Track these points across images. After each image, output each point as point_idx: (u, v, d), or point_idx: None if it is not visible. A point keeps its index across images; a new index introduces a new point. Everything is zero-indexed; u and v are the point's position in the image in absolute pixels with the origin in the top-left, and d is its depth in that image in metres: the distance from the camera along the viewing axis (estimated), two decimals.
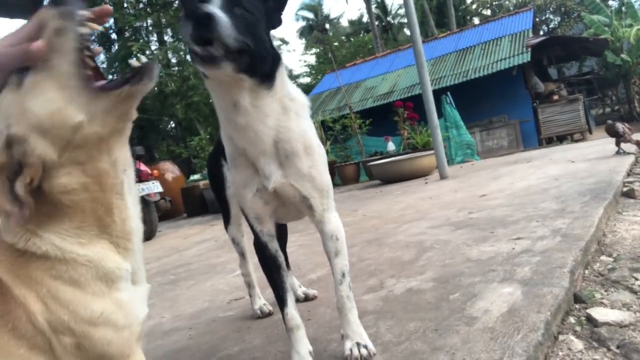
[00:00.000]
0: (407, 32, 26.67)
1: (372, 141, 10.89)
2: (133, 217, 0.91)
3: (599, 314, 1.51)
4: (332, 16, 39.51)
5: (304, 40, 37.38)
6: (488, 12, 31.53)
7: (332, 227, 1.43)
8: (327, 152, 10.06)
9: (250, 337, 1.79)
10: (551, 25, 27.37)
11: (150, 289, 0.98)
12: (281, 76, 1.27)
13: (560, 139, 13.45)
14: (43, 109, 0.79)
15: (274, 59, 1.24)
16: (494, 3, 31.73)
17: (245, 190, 1.37)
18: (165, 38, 22.23)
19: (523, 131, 13.85)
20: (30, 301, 0.77)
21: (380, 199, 5.59)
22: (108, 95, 0.83)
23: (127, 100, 0.86)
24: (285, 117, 1.29)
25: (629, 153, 4.99)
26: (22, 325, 0.76)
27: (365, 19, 34.17)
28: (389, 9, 34.46)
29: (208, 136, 16.22)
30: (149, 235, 6.59)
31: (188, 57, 22.22)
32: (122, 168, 0.89)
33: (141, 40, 20.95)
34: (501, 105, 13.98)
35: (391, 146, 9.64)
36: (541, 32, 22.90)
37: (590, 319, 1.50)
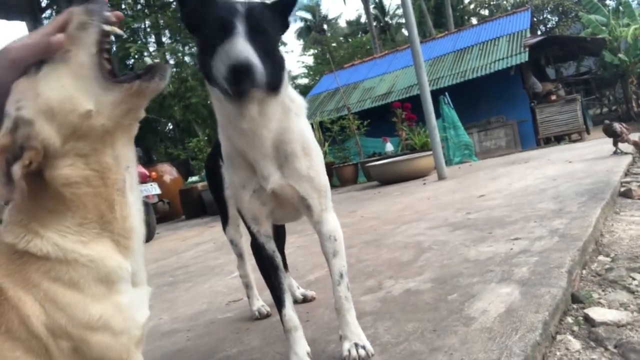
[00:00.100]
0: (405, 32, 26.70)
1: (370, 142, 10.89)
2: (135, 216, 0.91)
3: (597, 313, 1.51)
4: (330, 17, 39.55)
5: (301, 41, 37.39)
6: (486, 12, 31.58)
7: (330, 227, 1.43)
8: (325, 154, 10.07)
9: (249, 339, 1.79)
10: (549, 25, 27.42)
11: (151, 292, 0.97)
12: (285, 80, 1.27)
13: (558, 139, 13.46)
14: (55, 94, 0.82)
15: (282, 67, 1.24)
16: (492, 3, 31.78)
17: (243, 191, 1.37)
18: (164, 39, 22.21)
19: (521, 131, 13.86)
20: (27, 304, 0.76)
21: (378, 200, 5.59)
22: (119, 87, 0.86)
23: (137, 97, 0.88)
24: (286, 118, 1.30)
25: (626, 153, 5.00)
26: (16, 328, 0.76)
27: (363, 19, 34.20)
28: (386, 10, 34.50)
29: (206, 138, 16.20)
30: (147, 237, 6.49)
31: (186, 58, 22.28)
32: (125, 165, 0.90)
33: (139, 42, 20.91)
34: (499, 106, 13.98)
35: (389, 147, 9.65)
36: (539, 32, 22.93)
37: (587, 319, 1.50)
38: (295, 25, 36.95)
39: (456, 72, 14.45)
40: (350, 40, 35.54)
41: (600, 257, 2.10)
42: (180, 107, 19.29)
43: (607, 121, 5.41)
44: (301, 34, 37.44)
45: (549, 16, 27.64)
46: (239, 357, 1.63)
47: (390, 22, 34.49)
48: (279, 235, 2.04)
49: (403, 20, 16.09)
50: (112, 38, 0.91)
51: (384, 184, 7.56)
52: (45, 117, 0.82)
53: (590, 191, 3.15)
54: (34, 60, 0.84)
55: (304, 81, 31.40)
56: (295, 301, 2.05)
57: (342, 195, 7.36)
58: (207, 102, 19.12)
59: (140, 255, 0.93)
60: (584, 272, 1.93)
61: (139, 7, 21.35)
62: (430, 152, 6.88)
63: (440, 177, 6.40)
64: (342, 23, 39.26)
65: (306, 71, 32.74)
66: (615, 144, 5.13)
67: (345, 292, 1.44)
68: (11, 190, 0.78)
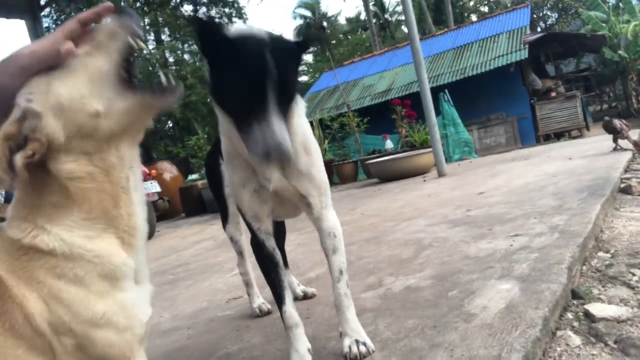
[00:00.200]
0: (404, 29, 26.68)
1: (370, 139, 10.88)
2: (139, 214, 0.92)
3: (597, 309, 1.52)
4: (329, 14, 39.49)
5: (301, 39, 37.30)
6: (485, 9, 31.56)
7: (330, 224, 1.43)
8: (325, 151, 10.06)
9: (249, 336, 1.79)
10: (549, 22, 27.41)
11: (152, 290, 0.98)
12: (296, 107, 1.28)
13: (558, 135, 13.46)
14: (67, 92, 0.84)
15: (296, 98, 1.25)
16: (492, 0, 31.74)
17: (243, 190, 1.38)
18: (163, 37, 22.20)
19: (521, 128, 13.85)
20: (31, 301, 0.77)
21: (378, 197, 5.59)
22: (131, 96, 0.88)
23: (146, 109, 0.92)
24: (289, 121, 1.30)
25: (626, 149, 4.99)
26: (20, 326, 0.76)
27: (362, 16, 34.13)
28: (386, 7, 34.45)
29: (206, 135, 16.18)
30: (147, 235, 6.58)
31: (185, 56, 22.31)
32: (129, 165, 0.91)
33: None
34: (499, 103, 13.97)
35: (389, 144, 9.64)
36: (539, 29, 22.89)
37: (587, 315, 1.51)
38: (294, 23, 36.87)
39: (456, 69, 14.43)
40: (349, 37, 35.53)
41: (600, 253, 2.11)
42: (180, 105, 19.27)
43: (607, 118, 5.41)
44: (301, 31, 37.39)
45: (548, 13, 27.64)
46: (240, 355, 1.63)
47: (389, 19, 34.45)
48: (279, 232, 2.04)
49: (403, 18, 16.07)
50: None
51: (384, 181, 7.56)
52: (54, 112, 0.83)
53: (590, 187, 3.15)
54: (43, 68, 0.85)
55: (303, 78, 31.37)
56: (296, 298, 2.05)
57: (342, 192, 7.37)
58: (206, 100, 19.10)
59: (143, 254, 0.93)
60: (584, 268, 1.93)
61: (138, 4, 21.32)
62: (430, 149, 6.88)
63: (440, 174, 6.40)
64: (341, 20, 39.20)
65: (305, 68, 32.71)
66: (615, 140, 5.13)
67: (345, 289, 1.45)
68: (12, 178, 0.79)
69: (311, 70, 31.62)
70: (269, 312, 2.01)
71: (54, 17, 21.48)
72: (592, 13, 17.36)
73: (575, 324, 1.48)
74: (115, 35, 0.88)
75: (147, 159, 16.54)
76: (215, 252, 4.08)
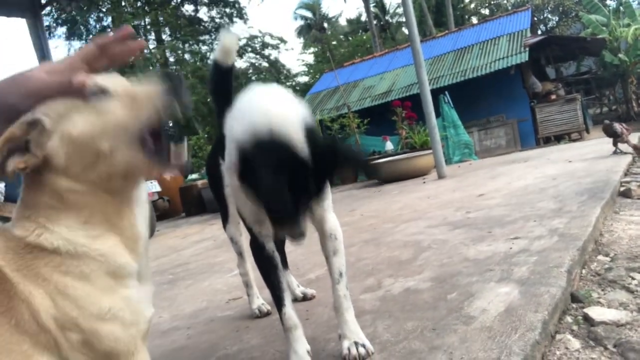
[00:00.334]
0: (405, 31, 26.70)
1: (370, 140, 10.88)
2: (141, 225, 0.93)
3: (596, 313, 1.52)
4: (330, 15, 39.51)
5: (302, 40, 37.36)
6: (486, 12, 31.58)
7: (331, 226, 1.44)
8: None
9: (249, 337, 1.79)
10: (549, 25, 27.43)
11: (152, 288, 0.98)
12: None
13: (558, 138, 13.47)
14: (81, 126, 0.84)
15: None
16: (492, 2, 31.78)
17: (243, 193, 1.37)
18: (163, 37, 22.19)
19: (521, 131, 13.87)
20: (37, 298, 0.77)
21: (378, 199, 5.59)
22: (141, 156, 0.88)
23: (150, 170, 0.93)
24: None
25: (626, 153, 5.00)
26: (26, 322, 0.76)
27: (363, 18, 34.14)
28: (387, 8, 34.47)
29: (206, 135, 16.21)
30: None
31: (186, 56, 22.29)
32: (133, 188, 0.93)
33: (139, 39, 20.89)
34: (499, 105, 13.98)
35: (389, 146, 9.64)
36: (539, 32, 22.91)
37: (587, 318, 1.51)
38: (295, 24, 36.93)
39: (456, 71, 14.44)
40: (350, 38, 35.52)
41: (600, 257, 2.11)
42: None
43: (607, 121, 5.41)
44: (301, 32, 37.40)
45: (549, 16, 27.65)
46: (239, 355, 1.63)
47: (390, 20, 34.47)
48: None
49: (403, 19, 16.08)
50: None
51: (384, 183, 7.56)
52: (61, 137, 0.84)
53: (590, 190, 3.15)
54: (50, 97, 0.85)
55: (304, 79, 31.40)
56: (295, 299, 2.05)
57: (342, 193, 7.37)
58: (206, 99, 19.10)
59: (145, 257, 0.94)
60: (583, 271, 1.93)
61: (139, 4, 21.32)
62: (430, 151, 6.88)
63: (440, 176, 6.40)
64: (342, 21, 39.21)
65: (306, 69, 32.75)
66: (615, 143, 5.13)
67: (345, 290, 1.45)
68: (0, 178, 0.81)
69: (312, 71, 31.63)
70: (268, 313, 2.01)
71: (55, 16, 21.49)
72: (593, 16, 17.38)
73: (575, 327, 1.48)
74: (154, 100, 0.88)
75: None
76: (215, 252, 4.08)
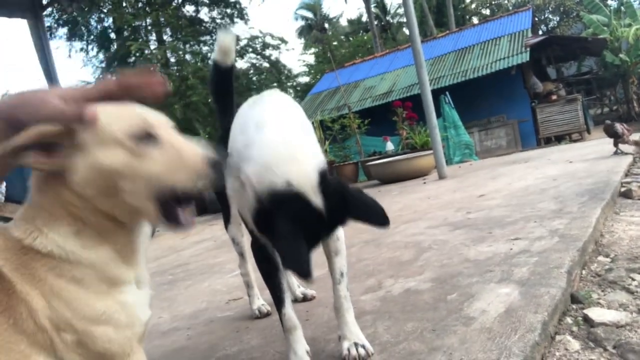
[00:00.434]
0: (406, 31, 26.69)
1: (371, 141, 10.89)
2: (138, 241, 0.92)
3: (596, 314, 1.52)
4: (331, 15, 39.56)
5: (302, 40, 37.38)
6: (487, 12, 31.56)
7: None
8: (326, 152, 10.06)
9: (249, 338, 1.79)
10: (550, 25, 27.42)
11: (151, 294, 0.98)
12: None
13: (559, 139, 13.47)
14: (116, 158, 0.82)
15: None
16: (493, 2, 31.76)
17: (243, 191, 1.37)
18: (164, 37, 22.19)
19: (521, 131, 13.88)
20: (34, 298, 0.78)
21: (378, 199, 5.50)
22: (153, 210, 0.86)
23: (157, 222, 0.90)
24: None
25: (627, 153, 5.00)
26: (24, 322, 0.77)
27: (364, 18, 34.16)
28: (388, 9, 34.48)
29: (207, 136, 16.20)
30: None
31: (187, 56, 22.29)
32: (139, 219, 0.92)
33: (140, 40, 20.92)
34: (500, 105, 13.99)
35: (390, 146, 9.65)
36: (540, 32, 22.92)
37: (587, 320, 1.51)
38: (296, 24, 36.94)
39: (457, 71, 14.45)
40: (351, 39, 35.54)
41: (600, 258, 2.11)
42: (181, 106, 19.27)
43: (608, 121, 5.41)
44: (302, 32, 37.43)
45: (550, 16, 27.64)
46: (239, 356, 1.63)
47: (391, 21, 34.48)
48: None
49: (404, 20, 16.09)
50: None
51: (384, 183, 7.57)
52: (91, 160, 0.81)
53: (591, 191, 3.15)
54: (52, 121, 0.83)
55: (304, 80, 31.38)
56: (295, 300, 2.06)
57: None
58: (207, 100, 19.10)
59: (142, 265, 0.94)
60: (583, 272, 1.93)
61: (140, 5, 21.32)
62: (431, 152, 6.87)
63: (441, 177, 6.40)
64: (343, 22, 39.22)
65: (307, 70, 32.73)
66: (616, 144, 5.13)
67: (345, 291, 1.45)
68: (12, 157, 0.78)
69: (312, 71, 31.63)
70: (268, 314, 2.01)
71: (56, 17, 21.51)
72: (594, 16, 17.38)
73: (575, 328, 1.48)
74: (198, 169, 0.85)
75: None
76: (215, 253, 4.08)
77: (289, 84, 25.43)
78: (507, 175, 5.17)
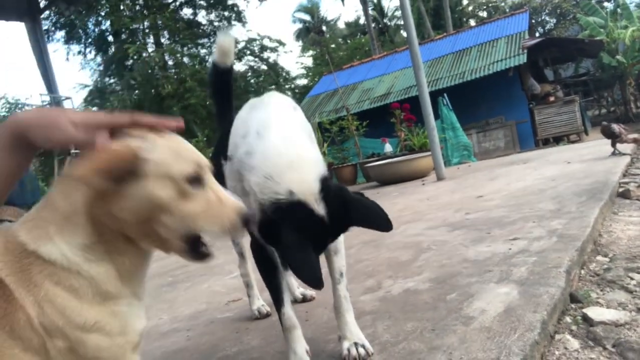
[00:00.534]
0: (403, 34, 26.73)
1: (369, 143, 10.89)
2: (142, 262, 0.94)
3: (595, 313, 1.52)
4: (328, 18, 39.55)
5: (300, 43, 37.43)
6: (484, 14, 31.66)
7: None
8: (325, 154, 10.07)
9: (248, 338, 1.79)
10: (547, 27, 27.51)
11: (148, 293, 0.98)
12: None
13: (557, 140, 13.50)
14: (164, 193, 0.85)
15: None
16: (490, 5, 31.85)
17: (245, 198, 1.38)
18: (162, 40, 22.22)
19: (520, 132, 13.90)
20: (29, 304, 0.77)
21: (377, 201, 5.52)
22: (179, 241, 0.90)
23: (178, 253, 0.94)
24: None
25: (624, 154, 5.01)
26: (20, 327, 0.76)
27: (362, 21, 34.22)
28: (385, 11, 34.56)
29: (205, 138, 16.17)
30: None
31: (185, 59, 22.30)
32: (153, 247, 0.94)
33: (138, 43, 20.92)
34: (498, 107, 14.02)
35: (388, 148, 9.65)
36: (537, 34, 22.99)
37: (586, 319, 1.51)
38: (294, 27, 36.99)
39: (455, 73, 14.48)
40: (349, 41, 35.63)
41: (599, 257, 2.11)
42: (179, 108, 19.28)
43: (605, 122, 5.42)
44: (300, 35, 37.50)
45: (547, 18, 27.74)
46: (239, 357, 1.64)
47: (389, 23, 34.56)
48: None
49: (402, 22, 16.13)
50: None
51: (383, 185, 7.57)
52: (142, 190, 0.84)
53: (589, 192, 3.15)
54: (61, 144, 0.85)
55: (303, 82, 31.42)
56: (295, 301, 2.06)
57: None
58: (205, 102, 19.11)
59: (142, 283, 0.94)
60: (582, 272, 1.94)
61: (137, 7, 21.32)
62: (429, 153, 6.88)
63: (439, 178, 6.40)
64: (341, 24, 39.35)
65: (305, 72, 32.78)
66: (613, 144, 5.14)
67: (345, 291, 1.46)
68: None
69: (310, 73, 31.66)
70: (268, 315, 2.01)
71: (54, 20, 21.51)
72: (590, 18, 17.45)
73: (574, 327, 1.49)
74: (232, 221, 0.90)
75: None
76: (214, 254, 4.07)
77: (287, 86, 25.48)
78: (506, 176, 5.18)
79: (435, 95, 9.55)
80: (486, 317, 1.45)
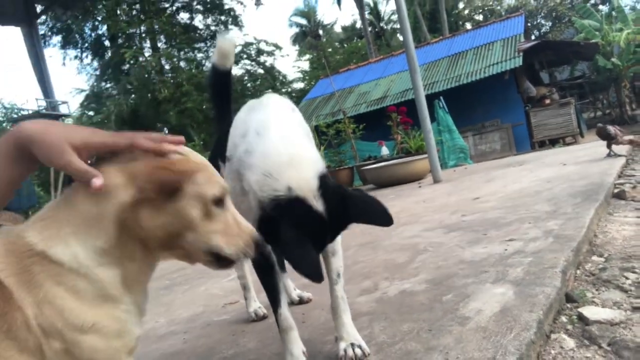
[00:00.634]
0: (400, 37, 26.82)
1: (366, 146, 10.91)
2: (147, 272, 0.95)
3: (591, 312, 1.53)
4: (325, 22, 39.62)
5: (297, 46, 37.49)
6: (480, 17, 31.80)
7: None
8: (321, 157, 10.06)
9: (245, 341, 1.79)
10: (542, 30, 27.64)
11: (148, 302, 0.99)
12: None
13: (553, 142, 13.55)
14: (194, 212, 0.89)
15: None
16: (486, 8, 32.00)
17: (243, 197, 1.38)
18: (159, 44, 22.22)
19: (516, 135, 13.95)
20: (27, 304, 0.77)
21: None
22: (207, 255, 0.94)
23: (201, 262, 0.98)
24: None
25: (619, 155, 5.03)
26: (17, 328, 0.76)
27: (358, 25, 34.33)
28: (382, 15, 34.69)
29: (202, 142, 16.18)
30: None
31: (182, 63, 22.31)
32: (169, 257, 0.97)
33: (134, 47, 20.92)
34: (494, 110, 14.07)
35: (385, 150, 9.67)
36: (533, 37, 23.09)
37: (581, 318, 1.52)
38: (290, 31, 37.06)
39: (451, 76, 14.54)
40: (345, 45, 35.72)
41: (594, 257, 2.12)
42: (176, 112, 19.27)
43: (600, 124, 5.45)
44: (297, 39, 37.56)
45: (542, 21, 27.88)
46: (235, 359, 1.63)
47: (385, 27, 34.67)
48: None
49: (398, 26, 16.18)
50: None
51: (380, 187, 7.58)
52: (177, 207, 0.88)
53: (584, 193, 3.17)
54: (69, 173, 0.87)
55: (299, 86, 31.46)
56: (292, 303, 2.06)
57: None
58: (202, 106, 19.10)
59: (144, 292, 0.95)
60: (578, 272, 1.94)
61: (134, 12, 21.34)
62: (426, 156, 6.90)
63: (436, 180, 6.42)
64: (337, 28, 39.42)
65: (302, 76, 32.82)
66: (609, 146, 5.16)
67: (342, 292, 1.46)
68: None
69: (307, 77, 31.71)
70: (264, 317, 2.01)
71: (50, 25, 21.50)
72: (586, 21, 17.54)
73: (569, 327, 1.49)
74: (246, 242, 0.96)
75: None
76: None
77: (283, 90, 25.50)
78: (502, 178, 5.20)
79: (431, 99, 9.59)
80: (482, 317, 1.45)
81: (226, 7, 22.90)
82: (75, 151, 0.85)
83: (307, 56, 34.38)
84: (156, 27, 20.90)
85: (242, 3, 22.81)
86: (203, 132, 19.65)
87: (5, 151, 0.86)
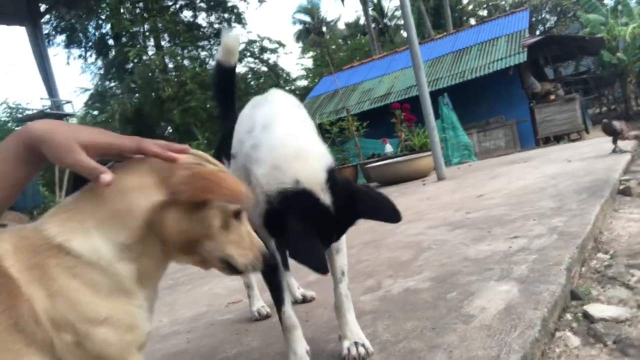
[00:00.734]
0: (403, 34, 26.74)
1: (370, 143, 10.89)
2: (159, 271, 0.97)
3: (596, 310, 1.52)
4: (328, 19, 39.53)
5: (300, 44, 37.44)
6: (484, 13, 31.66)
7: None
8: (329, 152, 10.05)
9: (248, 340, 1.79)
10: (547, 25, 27.51)
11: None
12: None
13: (558, 138, 13.47)
14: (217, 222, 0.93)
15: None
16: (490, 3, 31.86)
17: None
18: (162, 43, 22.24)
19: (520, 131, 13.87)
20: (38, 298, 0.77)
21: None
22: (224, 268, 0.99)
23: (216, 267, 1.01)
24: None
25: (625, 151, 4.99)
26: (24, 321, 0.76)
27: (362, 21, 34.22)
28: (385, 11, 34.55)
29: (205, 141, 16.21)
30: None
31: (185, 61, 22.32)
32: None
33: (138, 46, 20.96)
34: (498, 106, 13.99)
35: (389, 148, 9.65)
36: (537, 32, 22.96)
37: (586, 316, 1.51)
38: (294, 28, 37.04)
39: (455, 72, 14.47)
40: (349, 42, 35.61)
41: (600, 254, 2.11)
42: (180, 111, 19.29)
43: (606, 120, 5.41)
44: (300, 36, 37.49)
45: (547, 16, 27.74)
46: (239, 358, 1.63)
47: (389, 23, 34.54)
48: None
49: (402, 22, 16.13)
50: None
51: (384, 185, 7.57)
52: (203, 214, 0.91)
53: (590, 189, 3.15)
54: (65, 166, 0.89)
55: (303, 83, 31.40)
56: (295, 301, 2.05)
57: None
58: (206, 105, 19.13)
59: (155, 291, 0.96)
60: (583, 269, 1.93)
61: (137, 10, 21.36)
62: (430, 153, 6.88)
63: (440, 178, 6.40)
64: (341, 25, 39.30)
65: (305, 73, 32.77)
66: (614, 142, 5.12)
67: (346, 290, 1.46)
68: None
69: (311, 74, 31.67)
70: (268, 316, 2.01)
71: (54, 24, 21.57)
72: (591, 16, 17.40)
73: (574, 324, 1.48)
74: (255, 255, 0.98)
75: None
76: None
77: (287, 87, 25.48)
78: (506, 175, 5.18)
79: (435, 95, 9.56)
80: (486, 315, 1.44)
81: (229, 4, 22.89)
82: (82, 150, 0.86)
83: (311, 53, 34.34)
84: (160, 25, 20.92)
85: (245, 0, 22.80)
86: (207, 131, 19.66)
87: (15, 152, 0.87)
